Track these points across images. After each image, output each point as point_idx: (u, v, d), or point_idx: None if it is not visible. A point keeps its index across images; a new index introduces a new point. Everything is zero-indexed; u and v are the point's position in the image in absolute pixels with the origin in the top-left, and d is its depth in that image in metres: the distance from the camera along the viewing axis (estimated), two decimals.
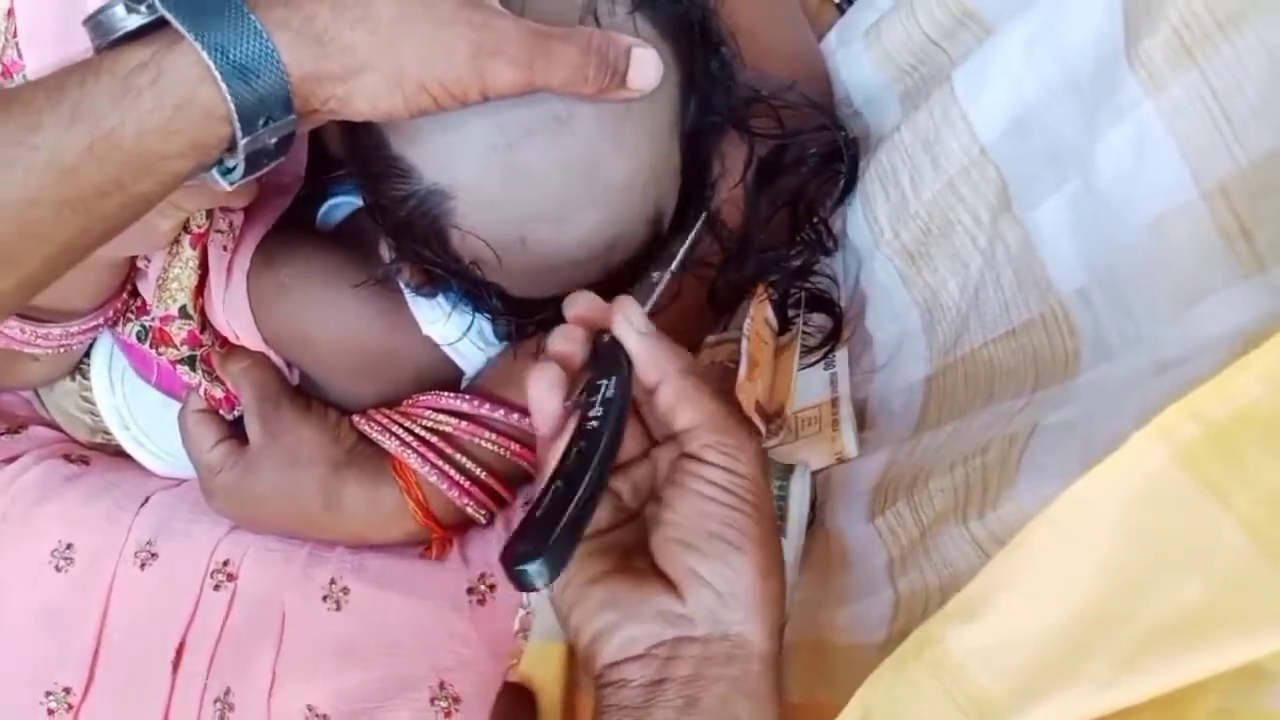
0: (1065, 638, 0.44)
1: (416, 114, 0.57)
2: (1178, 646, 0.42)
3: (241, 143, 0.55)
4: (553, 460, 0.57)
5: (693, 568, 0.55)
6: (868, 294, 0.77)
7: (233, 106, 0.53)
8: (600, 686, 0.56)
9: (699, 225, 0.68)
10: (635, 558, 0.58)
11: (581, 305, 0.60)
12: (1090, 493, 0.43)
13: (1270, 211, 0.44)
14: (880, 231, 0.73)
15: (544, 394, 0.58)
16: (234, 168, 0.57)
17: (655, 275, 0.65)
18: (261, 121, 0.54)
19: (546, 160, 0.61)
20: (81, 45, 0.71)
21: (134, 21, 0.53)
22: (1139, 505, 0.42)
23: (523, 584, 0.49)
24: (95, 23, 0.54)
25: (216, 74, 0.52)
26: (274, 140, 0.56)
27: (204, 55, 0.52)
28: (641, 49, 0.59)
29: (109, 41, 0.54)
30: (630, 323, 0.57)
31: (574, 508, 0.51)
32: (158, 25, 0.53)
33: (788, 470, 0.70)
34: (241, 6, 0.52)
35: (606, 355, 0.58)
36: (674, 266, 0.66)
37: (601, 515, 0.60)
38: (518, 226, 0.63)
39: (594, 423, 0.55)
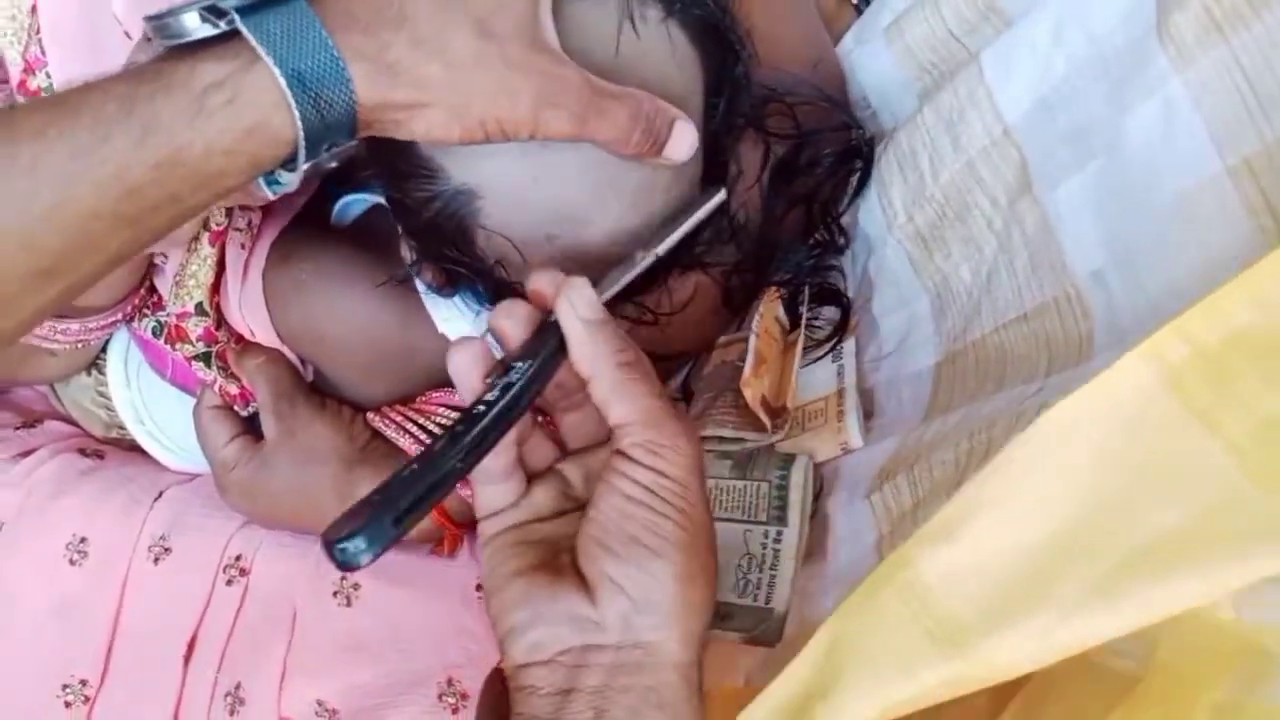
0: (1038, 560, 0.42)
1: (466, 143, 0.56)
2: (1154, 571, 0.40)
3: (303, 166, 0.54)
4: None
5: (607, 571, 0.52)
6: (875, 281, 0.75)
7: (302, 134, 0.52)
8: (513, 690, 0.53)
9: (699, 214, 0.64)
10: (563, 554, 0.55)
11: (542, 281, 0.56)
12: (1074, 412, 0.41)
13: None
14: (894, 215, 0.72)
15: (464, 368, 0.55)
16: (285, 183, 0.57)
17: (639, 255, 0.62)
18: (325, 147, 0.53)
19: (576, 159, 0.59)
20: (107, 45, 0.71)
21: (205, 31, 0.51)
22: (1122, 427, 0.40)
23: (338, 562, 0.45)
24: (161, 25, 0.52)
25: (291, 100, 0.51)
26: (332, 162, 0.56)
27: (281, 81, 0.50)
28: (684, 123, 0.59)
29: (176, 45, 0.52)
30: (573, 306, 0.54)
31: (413, 491, 0.47)
32: (226, 36, 0.51)
33: (788, 460, 0.69)
34: (321, 32, 0.51)
35: (540, 337, 0.55)
36: (659, 250, 0.62)
37: (544, 501, 0.57)
38: (544, 226, 0.61)
39: (481, 407, 0.51)
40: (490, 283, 0.66)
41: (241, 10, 0.50)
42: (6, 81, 0.76)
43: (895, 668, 0.44)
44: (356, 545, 0.45)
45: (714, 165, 0.67)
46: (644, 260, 0.62)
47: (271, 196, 0.58)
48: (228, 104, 0.50)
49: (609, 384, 0.53)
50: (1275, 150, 0.44)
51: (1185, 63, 0.47)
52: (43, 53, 0.73)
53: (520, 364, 0.53)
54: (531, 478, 0.58)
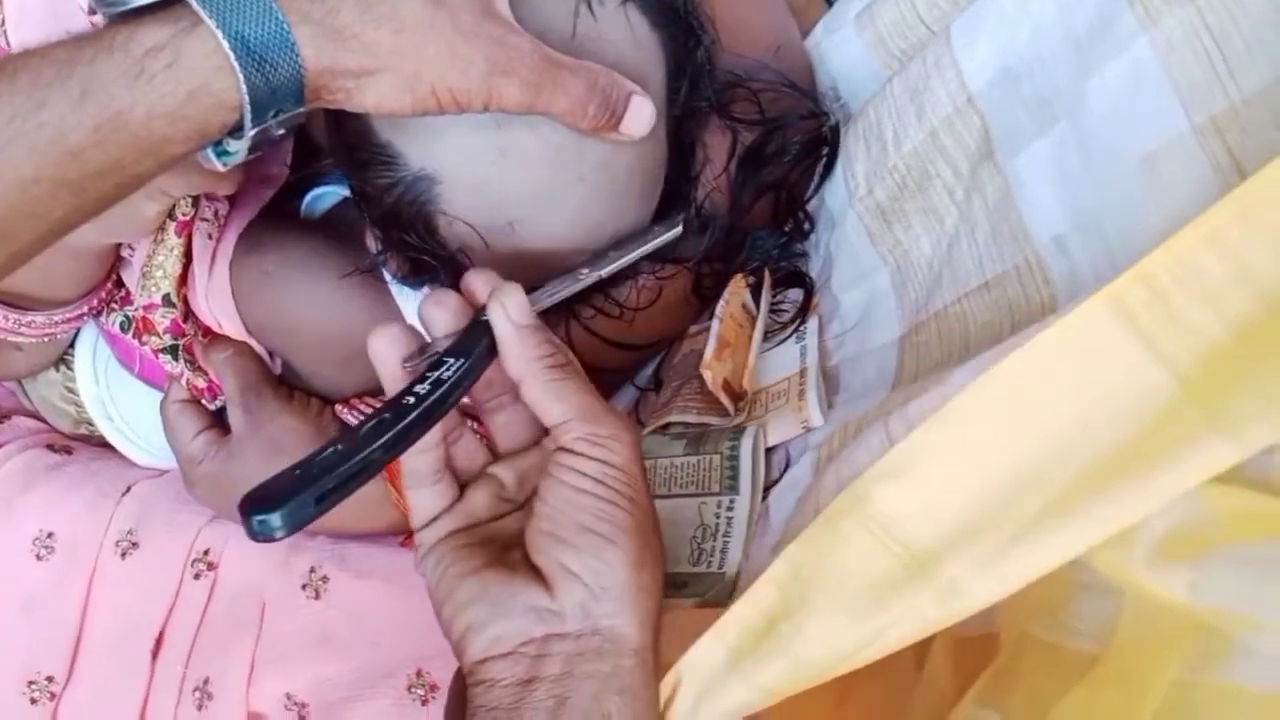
0: (998, 489, 0.43)
1: (419, 114, 0.54)
2: (1103, 485, 0.41)
3: (250, 133, 0.52)
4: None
5: (563, 561, 0.51)
6: (835, 257, 0.74)
7: (247, 98, 0.50)
8: (470, 685, 0.52)
9: (652, 243, 0.64)
10: (513, 550, 0.54)
11: (477, 281, 0.56)
12: (1036, 353, 0.42)
13: (1263, 146, 0.42)
14: (856, 188, 0.71)
15: (382, 349, 0.54)
16: (234, 151, 0.55)
17: (583, 273, 0.61)
18: (272, 113, 0.51)
19: (534, 141, 0.57)
20: (71, 29, 0.69)
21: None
22: (1082, 363, 0.42)
23: (254, 533, 0.45)
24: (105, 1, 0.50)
25: (235, 64, 0.49)
26: (280, 130, 0.54)
27: (224, 43, 0.48)
28: (641, 97, 0.57)
29: (117, 13, 0.50)
30: (505, 310, 0.53)
31: (337, 474, 0.47)
32: (168, 2, 0.49)
33: (738, 431, 0.68)
34: None
35: (471, 335, 0.54)
36: (604, 271, 0.62)
37: (481, 504, 0.57)
38: (505, 210, 0.59)
39: (410, 399, 0.50)
40: (455, 272, 0.64)
41: None
42: None
43: (865, 591, 0.45)
44: (275, 520, 0.44)
45: (679, 150, 0.66)
46: (586, 278, 0.61)
47: (221, 168, 0.56)
48: (168, 67, 0.48)
49: (541, 386, 0.53)
50: (1242, 109, 0.43)
51: (1152, 22, 0.46)
52: (7, 43, 0.71)
53: (451, 360, 0.52)
54: (465, 484, 0.57)
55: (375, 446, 0.48)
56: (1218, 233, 0.38)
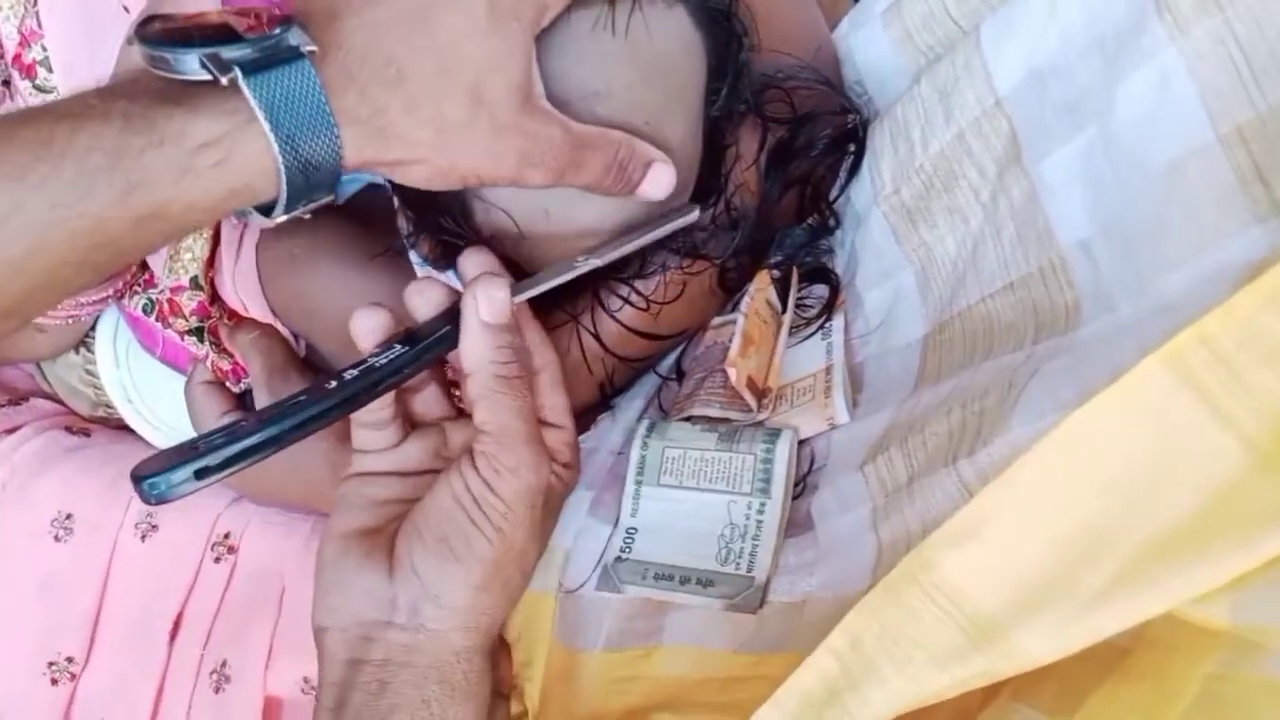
0: (1061, 555, 0.44)
1: (446, 189, 0.58)
2: (1173, 559, 0.42)
3: (278, 219, 0.54)
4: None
5: (412, 557, 0.56)
6: (860, 255, 0.76)
7: (284, 198, 0.52)
8: (319, 652, 0.58)
9: (660, 230, 0.66)
10: (395, 521, 0.58)
11: (469, 263, 0.60)
12: (1095, 416, 0.43)
13: None
14: (882, 186, 0.73)
15: (361, 334, 0.59)
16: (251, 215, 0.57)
17: (579, 260, 0.64)
18: (303, 204, 0.54)
19: None
20: (104, 18, 0.72)
21: (203, 77, 0.49)
22: (1140, 425, 0.43)
23: (144, 494, 0.49)
24: (159, 60, 0.50)
25: (282, 169, 0.50)
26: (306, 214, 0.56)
27: (274, 146, 0.50)
28: (662, 164, 0.60)
29: (161, 75, 0.50)
30: (477, 306, 0.57)
31: (229, 450, 0.50)
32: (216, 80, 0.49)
33: (774, 435, 0.71)
34: (321, 97, 0.50)
35: (437, 322, 0.58)
36: (600, 260, 0.64)
37: (414, 456, 0.61)
38: (542, 198, 0.62)
39: (333, 382, 0.54)
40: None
41: (245, 67, 0.49)
42: (1, 56, 0.76)
43: (929, 662, 0.47)
44: (160, 482, 0.48)
45: (713, 151, 0.69)
46: (582, 266, 0.63)
47: (235, 221, 0.59)
48: (217, 165, 0.49)
49: (480, 389, 0.57)
50: (1268, 118, 0.45)
51: (1181, 32, 0.48)
52: (39, 25, 0.74)
53: (398, 346, 0.56)
54: (415, 425, 0.61)
55: (277, 424, 0.51)
56: (1279, 295, 0.40)
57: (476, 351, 0.57)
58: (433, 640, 0.56)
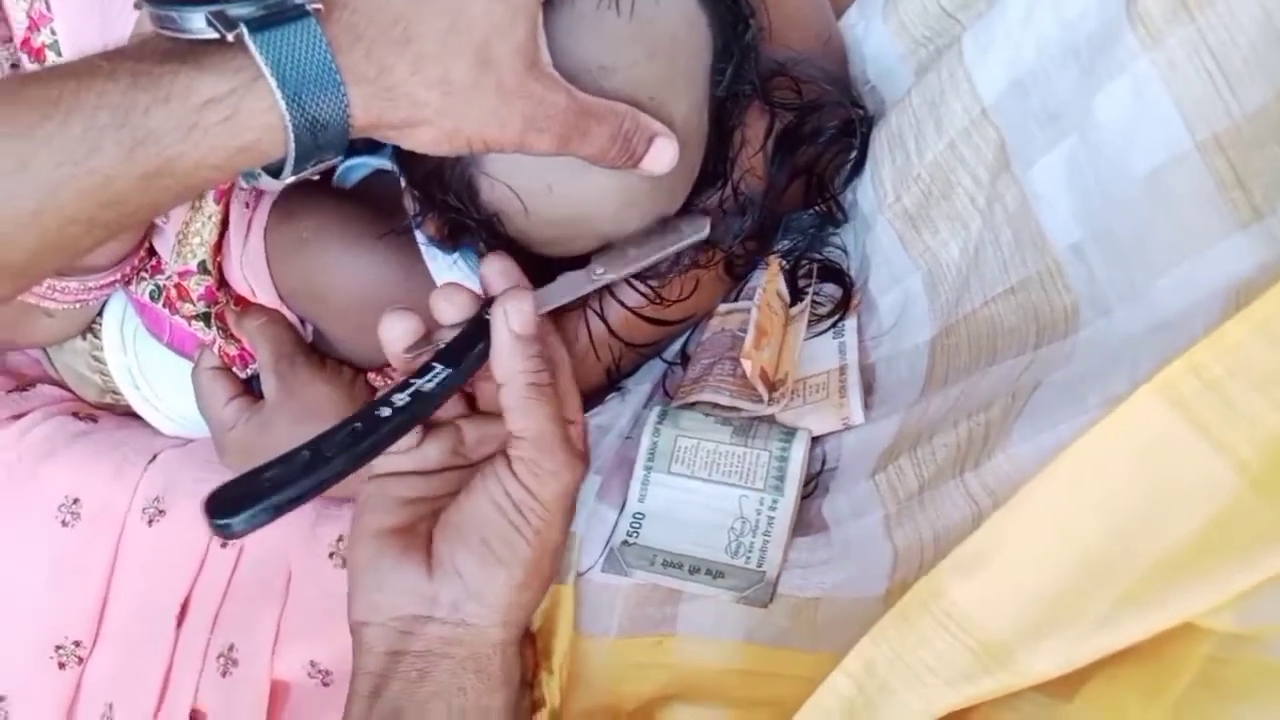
0: (1068, 580, 0.49)
1: (450, 154, 0.61)
2: (1176, 580, 0.46)
3: (286, 180, 0.57)
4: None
5: (454, 558, 0.61)
6: (871, 259, 0.81)
7: (293, 154, 0.54)
8: (355, 643, 0.63)
9: (675, 246, 0.71)
10: (427, 520, 0.63)
11: (495, 268, 0.64)
12: (1094, 445, 0.48)
13: (1265, 162, 0.48)
14: (884, 195, 0.77)
15: (389, 336, 0.63)
16: (260, 178, 0.60)
17: (596, 272, 0.69)
18: (311, 163, 0.56)
19: None
20: (114, 2, 0.76)
21: (210, 35, 0.52)
22: (1138, 453, 0.47)
23: (215, 529, 0.52)
24: (165, 18, 0.52)
25: (289, 125, 0.52)
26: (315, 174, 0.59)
27: (281, 105, 0.52)
28: (664, 139, 0.64)
29: (169, 33, 0.53)
30: (507, 316, 0.61)
31: (299, 485, 0.54)
32: (225, 39, 0.52)
33: (790, 434, 0.75)
34: (327, 54, 0.52)
35: (467, 338, 0.61)
36: (618, 275, 0.69)
37: (434, 455, 0.65)
38: (545, 173, 0.66)
39: (386, 410, 0.57)
40: (491, 236, 0.72)
41: (251, 24, 0.51)
42: (10, 40, 0.80)
43: (942, 684, 0.51)
44: (235, 524, 0.52)
45: (720, 132, 0.73)
46: (599, 280, 0.68)
47: (245, 185, 0.62)
48: (224, 121, 0.52)
49: (515, 397, 0.61)
50: (1245, 126, 0.49)
51: (1154, 42, 0.52)
52: (48, 9, 0.77)
53: (438, 367, 0.60)
54: (430, 427, 0.65)
55: (341, 457, 0.55)
56: (1268, 322, 0.43)
57: (510, 363, 0.61)
58: (472, 634, 0.61)
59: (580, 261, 0.70)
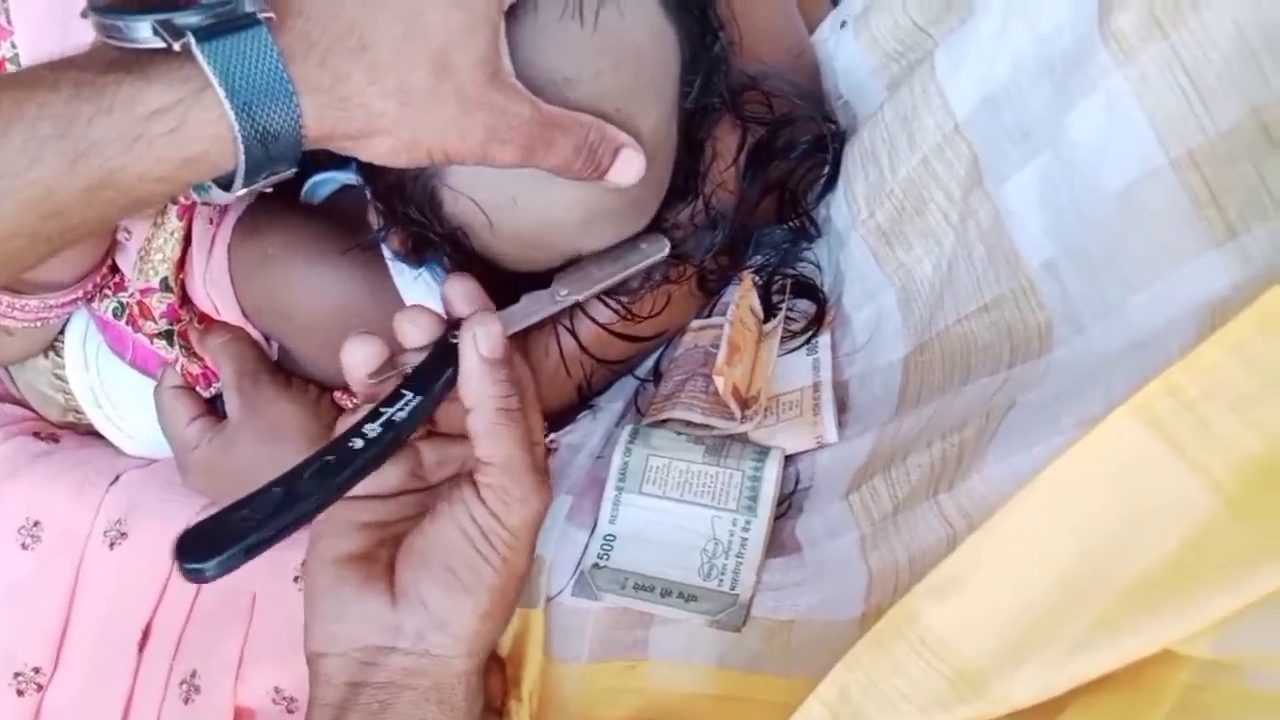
0: (1042, 604, 0.48)
1: (409, 165, 0.60)
2: (1152, 604, 0.46)
3: (237, 193, 0.56)
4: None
5: (418, 587, 0.60)
6: (845, 275, 0.80)
7: (243, 167, 0.53)
8: (311, 675, 0.61)
9: (637, 266, 0.71)
10: (387, 547, 0.62)
11: (458, 290, 0.63)
12: (1070, 467, 0.47)
13: (1239, 179, 0.48)
14: (858, 211, 0.77)
15: (352, 361, 0.62)
16: (211, 191, 0.58)
17: (559, 294, 0.69)
18: (263, 175, 0.55)
19: None
20: (75, 13, 0.74)
21: (156, 44, 0.50)
22: (1114, 475, 0.47)
23: (185, 573, 0.51)
24: (110, 28, 0.51)
25: (238, 135, 0.51)
26: (268, 187, 0.58)
27: (230, 113, 0.51)
28: (630, 150, 0.63)
29: (115, 44, 0.52)
30: (475, 342, 0.60)
31: (273, 523, 0.53)
32: (170, 48, 0.51)
33: (763, 453, 0.74)
34: (278, 64, 0.51)
35: (436, 362, 0.61)
36: (581, 296, 0.69)
37: (393, 478, 0.64)
38: (509, 185, 0.65)
39: (358, 441, 0.56)
40: (456, 251, 0.71)
41: (199, 33, 0.50)
42: None
43: (916, 711, 0.51)
44: (208, 569, 0.51)
45: (690, 143, 0.73)
46: (562, 301, 0.68)
47: (197, 198, 0.61)
48: (170, 133, 0.51)
49: (484, 422, 0.60)
50: (1218, 142, 0.48)
51: (1127, 58, 0.51)
52: (9, 22, 0.76)
53: (409, 394, 0.59)
54: None
55: (317, 493, 0.54)
56: (1243, 344, 0.43)
57: (479, 388, 0.60)
58: (437, 665, 0.60)
59: (545, 279, 0.70)
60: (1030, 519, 0.49)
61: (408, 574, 0.60)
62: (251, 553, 0.52)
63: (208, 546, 0.51)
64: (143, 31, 0.51)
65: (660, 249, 0.72)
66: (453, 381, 0.60)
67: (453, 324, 0.62)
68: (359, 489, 0.62)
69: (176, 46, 0.50)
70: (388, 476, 0.64)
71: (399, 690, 0.59)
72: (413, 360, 0.61)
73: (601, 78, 0.63)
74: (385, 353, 0.62)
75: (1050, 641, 0.48)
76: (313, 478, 0.55)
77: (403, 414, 0.58)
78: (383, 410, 0.58)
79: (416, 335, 0.62)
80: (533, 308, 0.67)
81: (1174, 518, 0.46)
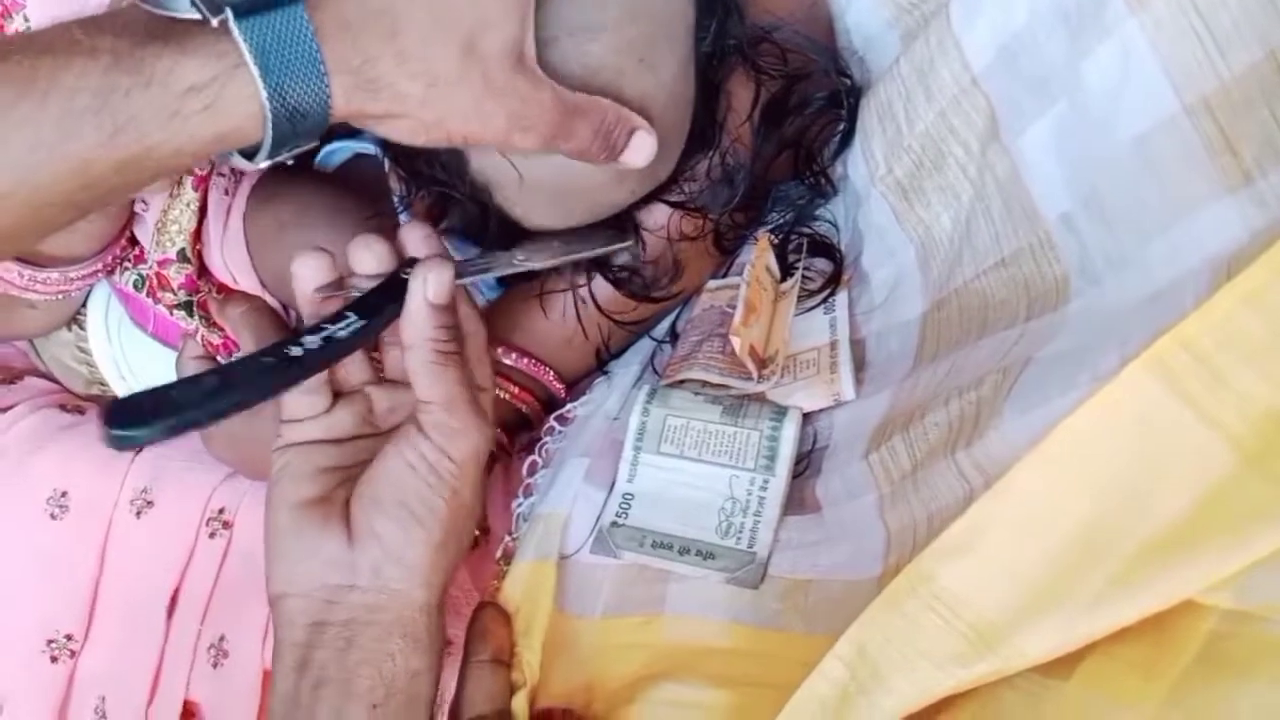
0: (1058, 561, 0.48)
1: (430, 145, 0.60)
2: (1168, 559, 0.46)
3: (262, 165, 0.56)
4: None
5: (372, 524, 0.61)
6: (864, 233, 0.79)
7: (270, 141, 0.54)
8: (275, 618, 0.62)
9: (597, 250, 0.73)
10: (343, 487, 0.63)
11: (415, 234, 0.64)
12: (1083, 423, 0.47)
13: (1255, 124, 0.47)
14: (876, 166, 0.76)
15: (304, 275, 0.63)
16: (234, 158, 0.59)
17: (517, 258, 0.70)
18: (287, 149, 0.56)
19: (571, 69, 0.63)
20: None
21: (190, 14, 0.51)
22: (1129, 430, 0.46)
23: (113, 443, 0.52)
24: None
25: (269, 115, 0.52)
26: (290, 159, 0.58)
27: (263, 93, 0.51)
28: (644, 133, 0.64)
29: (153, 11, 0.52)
30: (425, 284, 0.61)
31: (203, 410, 0.54)
32: (206, 20, 0.51)
33: (781, 412, 0.74)
34: (313, 44, 0.52)
35: (383, 294, 0.61)
36: (535, 265, 0.71)
37: (346, 422, 0.65)
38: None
39: (296, 349, 0.58)
40: (480, 211, 0.71)
41: (237, 9, 0.50)
42: None
43: (934, 667, 0.51)
44: (137, 434, 0.52)
45: (705, 90, 0.72)
46: (518, 265, 0.70)
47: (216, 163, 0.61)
48: (205, 110, 0.51)
49: (422, 362, 0.61)
50: (1233, 88, 0.47)
51: (1141, 4, 0.50)
52: None
53: (352, 317, 0.60)
54: (339, 394, 0.65)
55: (247, 387, 0.56)
56: (1257, 294, 0.43)
57: (419, 329, 0.61)
58: (395, 599, 0.61)
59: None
60: (1044, 475, 0.48)
61: (361, 513, 0.61)
62: (175, 431, 0.53)
63: (137, 417, 0.52)
64: (182, 2, 0.51)
65: (624, 239, 0.74)
66: (396, 315, 0.61)
67: (406, 262, 0.63)
68: (314, 432, 0.64)
69: (215, 22, 0.50)
70: (340, 419, 0.65)
71: (362, 626, 0.60)
72: (363, 288, 0.62)
73: (621, 26, 0.63)
74: (334, 271, 0.63)
75: (1066, 597, 0.48)
76: (246, 375, 0.56)
77: (343, 333, 0.59)
78: (325, 326, 0.59)
79: (370, 262, 0.63)
80: (486, 263, 0.69)
81: (1190, 473, 0.45)
